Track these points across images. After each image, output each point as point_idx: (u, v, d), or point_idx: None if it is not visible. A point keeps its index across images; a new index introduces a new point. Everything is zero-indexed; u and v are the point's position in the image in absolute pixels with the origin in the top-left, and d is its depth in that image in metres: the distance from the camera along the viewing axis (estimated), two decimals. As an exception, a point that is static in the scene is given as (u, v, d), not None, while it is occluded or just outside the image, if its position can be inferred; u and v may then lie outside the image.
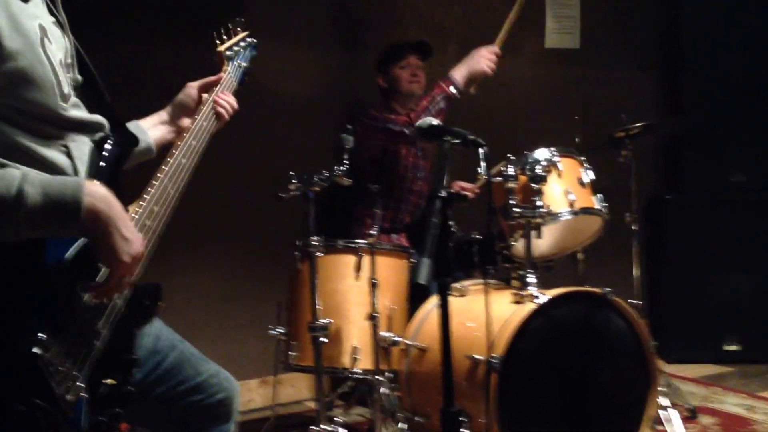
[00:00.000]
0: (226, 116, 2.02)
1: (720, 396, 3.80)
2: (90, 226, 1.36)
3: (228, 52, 2.19)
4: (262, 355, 3.48)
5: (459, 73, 3.42)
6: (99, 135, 1.57)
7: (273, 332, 3.00)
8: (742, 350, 4.35)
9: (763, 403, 3.68)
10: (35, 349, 1.31)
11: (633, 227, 3.36)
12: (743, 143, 4.42)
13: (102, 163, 1.53)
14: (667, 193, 4.56)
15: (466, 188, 3.59)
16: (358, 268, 2.97)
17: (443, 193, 1.81)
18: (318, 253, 2.86)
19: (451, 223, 1.81)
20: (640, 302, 3.31)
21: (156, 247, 1.61)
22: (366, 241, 2.97)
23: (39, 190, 1.31)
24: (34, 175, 1.33)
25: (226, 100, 2.02)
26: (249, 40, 2.32)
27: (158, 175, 1.68)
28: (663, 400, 3.06)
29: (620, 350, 2.81)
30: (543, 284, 2.86)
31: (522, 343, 2.62)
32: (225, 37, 2.22)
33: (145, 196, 1.62)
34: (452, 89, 3.38)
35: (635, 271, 3.38)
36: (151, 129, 1.98)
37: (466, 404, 2.61)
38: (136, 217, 1.57)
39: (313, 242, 2.85)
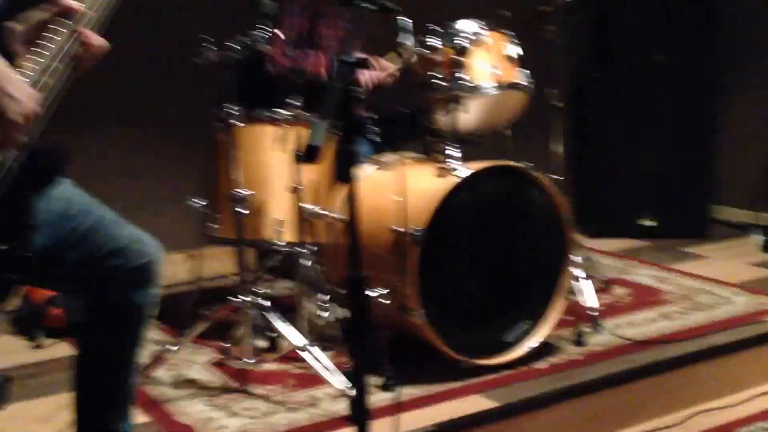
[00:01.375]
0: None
1: (634, 268, 3.90)
2: None
3: None
4: (185, 229, 3.40)
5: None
6: None
7: (194, 204, 2.93)
8: (658, 225, 4.44)
9: (673, 274, 3.79)
10: None
11: (557, 104, 3.32)
12: (668, 23, 4.38)
13: None
14: (593, 69, 4.53)
15: (386, 68, 3.45)
16: (281, 139, 2.88)
17: (349, 58, 1.72)
18: (239, 124, 2.77)
19: (355, 89, 1.72)
20: (562, 178, 3.30)
21: (58, 106, 1.50)
22: (290, 112, 2.87)
23: None
24: None
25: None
26: None
27: (57, 28, 1.56)
28: (578, 272, 3.11)
29: (539, 224, 2.84)
30: (470, 159, 2.83)
31: (444, 215, 2.62)
32: None
33: (41, 51, 1.50)
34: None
35: (558, 148, 3.37)
36: None
37: (390, 277, 2.62)
38: (31, 74, 1.45)
39: (232, 112, 2.75)
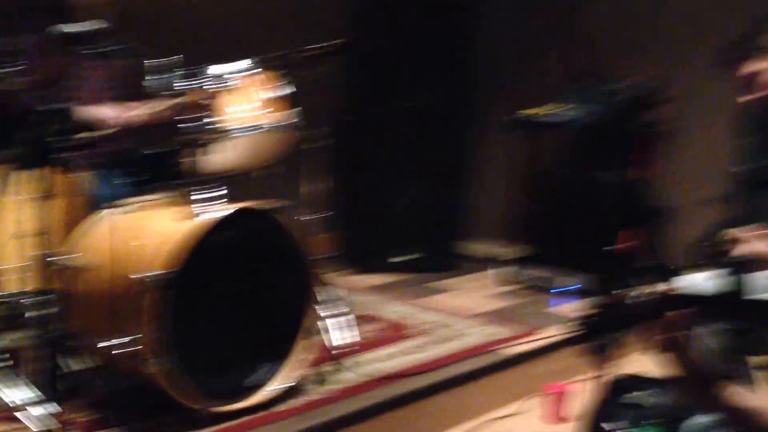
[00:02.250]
0: None
1: (383, 304, 4.04)
2: None
3: None
4: None
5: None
6: None
7: None
8: (410, 261, 4.63)
9: (418, 309, 3.97)
10: None
11: (317, 143, 3.38)
12: (424, 64, 4.59)
13: None
14: (354, 109, 4.66)
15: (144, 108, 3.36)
16: (3, 182, 2.73)
17: (53, 107, 1.66)
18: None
19: (55, 139, 1.66)
20: (316, 217, 3.36)
21: None
22: (8, 153, 2.70)
23: None
24: None
25: None
26: None
27: None
28: (324, 311, 3.16)
29: (284, 265, 2.86)
30: (229, 200, 2.80)
31: (185, 259, 2.57)
32: None
33: None
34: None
35: (319, 187, 3.42)
36: None
37: (129, 324, 2.54)
38: None
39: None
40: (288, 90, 3.00)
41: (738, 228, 2.19)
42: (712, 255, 2.15)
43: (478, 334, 3.58)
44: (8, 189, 2.72)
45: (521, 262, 4.48)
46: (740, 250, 2.11)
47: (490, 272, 4.52)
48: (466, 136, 4.79)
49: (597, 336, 1.36)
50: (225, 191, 2.96)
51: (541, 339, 3.47)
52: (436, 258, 4.70)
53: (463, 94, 4.72)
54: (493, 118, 4.82)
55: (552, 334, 3.57)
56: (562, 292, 4.16)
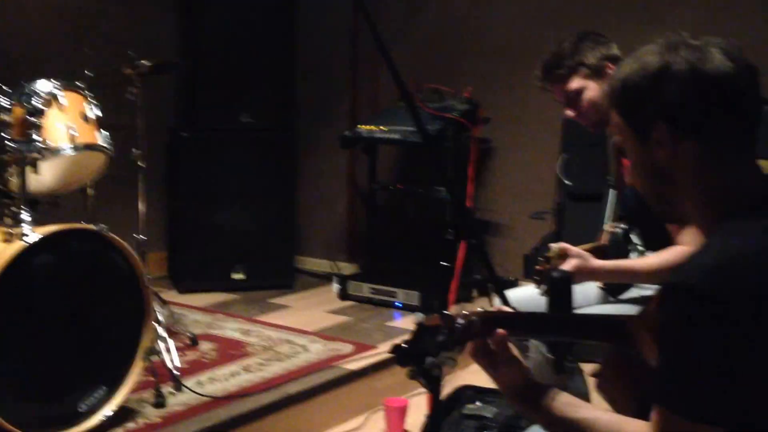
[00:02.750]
0: None
1: (222, 322, 3.99)
2: None
3: None
4: None
5: None
6: None
7: None
8: (247, 278, 4.61)
9: (258, 326, 3.95)
10: None
11: (140, 163, 3.33)
12: (252, 85, 4.61)
13: None
14: (183, 129, 4.61)
15: None
16: None
17: None
18: None
19: None
20: (145, 237, 3.31)
21: None
22: None
23: None
24: None
25: None
26: None
27: None
28: (161, 331, 3.12)
29: (117, 286, 2.79)
30: (49, 221, 2.70)
31: (11, 282, 2.46)
32: None
33: None
34: None
35: (142, 206, 3.36)
36: None
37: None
38: None
39: None
40: (98, 110, 2.94)
41: (563, 243, 2.34)
42: (541, 270, 2.30)
43: (319, 350, 3.61)
44: None
45: (361, 276, 4.56)
46: (565, 265, 2.26)
47: (332, 287, 4.57)
48: (298, 151, 4.85)
49: (413, 361, 1.41)
50: (46, 211, 2.88)
51: (382, 353, 3.53)
52: (276, 274, 4.71)
53: (292, 111, 4.78)
54: (326, 134, 4.91)
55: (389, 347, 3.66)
56: (402, 306, 4.27)
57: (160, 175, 4.60)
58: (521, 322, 1.56)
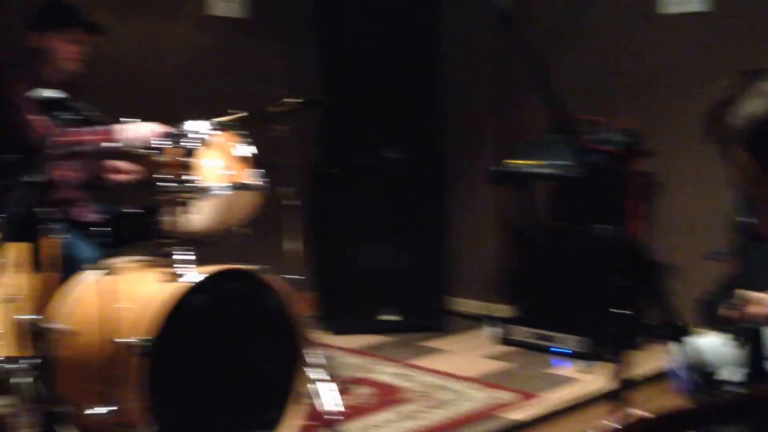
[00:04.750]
0: None
1: (376, 365, 3.97)
2: None
3: None
4: None
5: (130, 135, 3.07)
6: None
7: None
8: (398, 320, 4.58)
9: (413, 370, 3.89)
10: None
11: (290, 202, 3.36)
12: (397, 121, 4.62)
13: None
14: (327, 167, 4.66)
15: (124, 169, 3.38)
16: (-8, 246, 2.70)
17: (31, 179, 1.65)
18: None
19: (42, 210, 1.66)
20: (299, 277, 3.33)
21: None
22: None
23: None
24: None
25: None
26: None
27: None
28: (316, 374, 3.11)
29: (272, 327, 2.82)
30: (206, 261, 2.77)
31: (172, 323, 2.53)
32: None
33: None
34: (115, 145, 3.01)
35: (294, 246, 3.39)
36: None
37: (114, 392, 2.49)
38: None
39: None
40: (252, 149, 2.99)
41: (747, 289, 2.16)
42: (725, 317, 2.12)
43: (480, 398, 3.50)
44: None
45: (516, 320, 4.43)
46: (758, 314, 2.07)
47: (486, 331, 4.47)
48: (447, 187, 4.79)
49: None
50: (204, 252, 2.95)
51: (547, 403, 3.39)
52: (426, 316, 4.66)
53: (437, 144, 4.74)
54: (472, 168, 4.84)
55: (557, 397, 3.52)
56: (563, 353, 4.11)
57: (305, 212, 4.64)
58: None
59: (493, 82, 4.89)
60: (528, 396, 3.52)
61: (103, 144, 3.01)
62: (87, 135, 3.04)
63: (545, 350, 4.16)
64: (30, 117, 3.05)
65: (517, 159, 4.39)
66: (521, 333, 4.30)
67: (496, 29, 4.14)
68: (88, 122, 2.04)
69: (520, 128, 4.80)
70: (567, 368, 3.95)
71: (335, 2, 4.69)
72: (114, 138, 3.06)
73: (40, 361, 2.71)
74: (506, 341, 4.33)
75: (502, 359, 4.12)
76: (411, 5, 4.65)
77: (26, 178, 1.65)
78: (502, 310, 4.79)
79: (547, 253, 4.64)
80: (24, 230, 1.62)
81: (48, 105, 2.02)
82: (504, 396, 3.52)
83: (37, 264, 1.67)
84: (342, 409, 3.10)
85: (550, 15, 4.60)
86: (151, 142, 2.75)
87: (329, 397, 3.10)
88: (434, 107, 4.73)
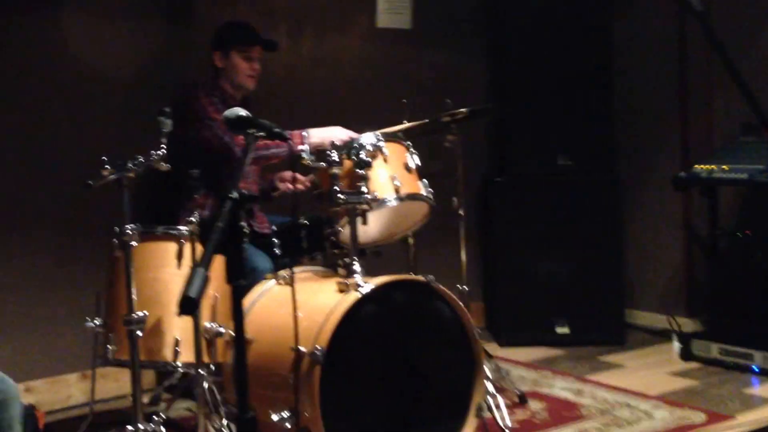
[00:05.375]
0: None
1: (549, 380, 3.90)
2: None
3: None
4: (81, 348, 3.32)
5: (316, 139, 3.29)
6: None
7: (90, 324, 2.89)
8: (573, 332, 4.48)
9: (590, 386, 3.80)
10: None
11: (460, 212, 3.39)
12: (569, 127, 4.54)
13: None
14: (496, 176, 4.64)
15: (299, 179, 3.54)
16: (179, 256, 2.89)
17: (234, 194, 1.75)
18: (134, 242, 2.77)
19: (242, 224, 1.76)
20: (468, 288, 3.35)
21: None
22: (187, 228, 2.88)
23: None
24: None
25: None
26: None
27: None
28: (490, 387, 3.11)
29: (446, 338, 2.84)
30: (372, 271, 2.84)
31: (346, 333, 2.60)
32: None
33: None
34: (301, 148, 3.14)
35: (463, 256, 3.42)
36: None
37: (292, 398, 2.58)
38: None
39: (128, 230, 2.76)
40: (418, 160, 3.02)
41: None
42: None
43: (665, 418, 3.35)
44: (182, 262, 2.86)
45: (707, 335, 4.21)
46: None
47: (674, 346, 4.27)
48: (623, 193, 4.65)
49: None
50: (373, 262, 3.02)
51: (743, 425, 3.22)
52: (603, 329, 4.53)
53: (614, 151, 4.61)
54: (653, 175, 4.69)
55: (753, 419, 3.31)
56: (761, 371, 3.85)
57: (473, 222, 4.66)
58: None
59: (674, 83, 4.71)
60: (719, 417, 3.34)
61: (293, 149, 3.18)
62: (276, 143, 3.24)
63: (736, 367, 3.93)
64: (228, 133, 3.29)
65: (705, 163, 4.19)
66: (710, 349, 4.08)
67: (675, 29, 4.01)
68: (278, 137, 2.16)
69: (703, 132, 4.61)
70: (762, 388, 3.72)
71: (503, 10, 4.67)
72: (301, 142, 3.23)
73: (216, 367, 2.88)
74: (692, 358, 4.13)
75: (688, 376, 3.93)
76: (583, 10, 4.57)
77: (231, 193, 1.75)
78: (686, 323, 4.60)
79: (735, 263, 4.40)
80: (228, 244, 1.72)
81: (239, 123, 2.15)
82: (692, 416, 3.36)
83: (228, 274, 1.77)
84: (513, 423, 3.08)
85: (737, 11, 4.38)
86: (329, 152, 2.85)
87: (503, 411, 3.10)
88: (609, 112, 4.61)
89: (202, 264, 1.61)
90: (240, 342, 1.78)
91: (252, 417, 1.83)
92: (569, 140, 4.54)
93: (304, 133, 3.30)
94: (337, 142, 3.06)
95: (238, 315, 1.85)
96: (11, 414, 1.78)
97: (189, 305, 1.55)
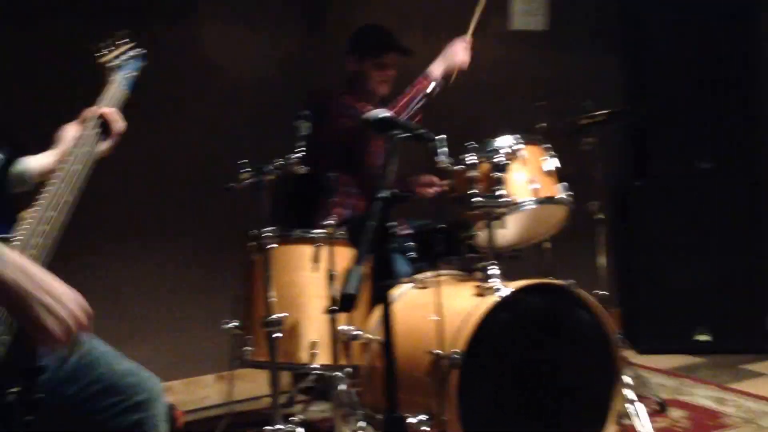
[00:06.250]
0: (118, 127, 2.00)
1: (690, 388, 3.82)
2: (3, 296, 1.30)
3: (114, 62, 2.21)
4: (218, 350, 3.44)
5: (437, 70, 3.44)
6: None
7: (227, 326, 2.97)
8: (713, 340, 4.37)
9: (733, 395, 3.70)
10: None
11: (598, 216, 3.36)
12: (709, 130, 4.43)
13: None
14: (635, 179, 4.57)
15: (435, 183, 3.58)
16: (315, 259, 2.94)
17: (385, 194, 1.78)
18: (271, 245, 2.84)
19: (391, 224, 1.79)
20: (607, 293, 3.31)
21: (54, 251, 1.57)
22: (324, 231, 2.94)
23: None
24: None
25: (111, 113, 2.00)
26: (136, 50, 2.35)
27: (51, 181, 1.68)
28: (630, 394, 3.07)
29: (585, 343, 2.81)
30: (509, 275, 2.84)
31: (484, 337, 2.61)
32: (109, 50, 2.24)
33: (38, 203, 1.62)
34: (431, 87, 3.35)
35: (601, 261, 3.38)
36: (33, 161, 1.94)
37: (429, 402, 2.61)
38: (31, 223, 1.55)
39: (266, 233, 2.83)
40: (558, 162, 3.00)
41: None
42: None
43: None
44: (318, 265, 2.92)
45: None
46: None
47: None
48: (765, 199, 4.50)
49: None
50: (510, 266, 3.01)
51: None
52: (745, 337, 4.40)
53: (756, 155, 4.49)
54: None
55: None
56: None
57: (609, 226, 4.58)
58: None
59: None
60: None
61: (428, 90, 3.27)
62: (409, 93, 3.39)
63: None
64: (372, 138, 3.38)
65: None
66: None
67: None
68: (418, 138, 2.18)
69: None
70: None
71: (641, 9, 4.61)
72: (431, 80, 3.31)
73: (357, 369, 2.93)
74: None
75: None
76: (725, 11, 4.45)
77: (382, 194, 1.79)
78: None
79: None
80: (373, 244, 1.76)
81: (381, 125, 2.18)
82: None
83: (376, 274, 1.82)
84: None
85: None
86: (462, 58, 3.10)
87: (643, 419, 3.05)
88: (752, 112, 4.50)
89: (358, 262, 1.66)
90: (388, 340, 1.81)
91: (400, 416, 1.85)
92: (709, 143, 4.44)
93: (427, 73, 3.42)
94: (458, 62, 3.33)
95: (386, 314, 1.88)
96: (157, 412, 1.85)
97: (348, 302, 1.60)
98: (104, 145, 1.97)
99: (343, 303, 1.61)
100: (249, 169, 2.82)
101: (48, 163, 1.93)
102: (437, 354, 2.62)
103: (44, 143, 2.01)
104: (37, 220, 1.56)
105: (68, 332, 1.33)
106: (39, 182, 1.89)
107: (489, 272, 2.83)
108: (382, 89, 3.60)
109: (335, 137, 3.46)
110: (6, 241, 1.48)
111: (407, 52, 3.64)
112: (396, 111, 3.32)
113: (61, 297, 1.33)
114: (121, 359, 1.82)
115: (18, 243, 1.49)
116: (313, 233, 2.96)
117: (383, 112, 2.22)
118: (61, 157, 1.89)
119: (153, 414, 1.81)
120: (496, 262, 2.85)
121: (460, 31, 3.54)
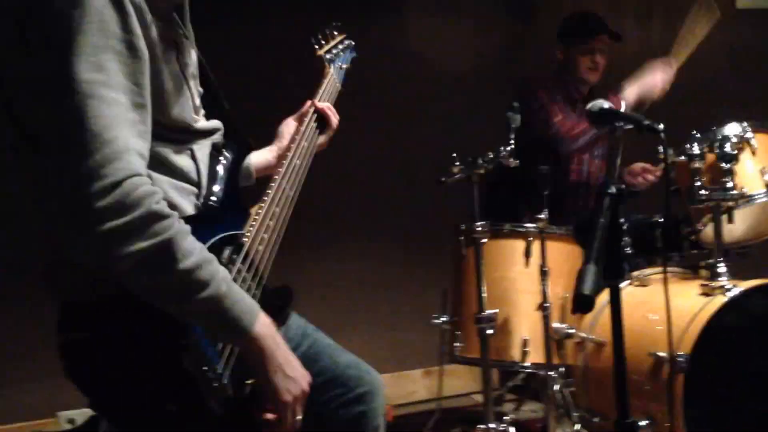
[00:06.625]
0: (334, 121, 2.02)
1: None
2: (252, 356, 1.39)
3: (328, 55, 2.22)
4: (426, 345, 3.46)
5: (632, 94, 3.27)
6: (217, 139, 1.63)
7: (437, 322, 2.97)
8: None
9: None
10: (186, 353, 1.34)
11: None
12: None
13: (220, 168, 1.59)
14: None
15: (649, 170, 3.43)
16: (527, 254, 2.88)
17: (613, 189, 1.70)
18: (483, 239, 2.80)
19: (621, 221, 1.70)
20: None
21: (279, 245, 1.62)
22: (535, 225, 2.87)
23: (228, 300, 1.33)
24: (225, 274, 1.35)
25: (328, 107, 2.02)
26: (347, 42, 2.35)
27: (275, 177, 1.73)
28: None
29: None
30: (735, 273, 2.67)
31: (711, 340, 2.46)
32: (323, 42, 2.24)
33: (264, 198, 1.66)
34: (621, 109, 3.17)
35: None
36: (255, 156, 1.98)
37: (649, 405, 2.51)
38: (259, 218, 1.58)
39: (477, 227, 2.80)
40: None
41: None
42: None
43: None
44: (530, 260, 2.86)
45: None
46: None
47: None
48: None
49: None
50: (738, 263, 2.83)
51: None
52: None
53: None
54: None
55: None
56: None
57: None
58: None
59: None
60: None
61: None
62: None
63: None
64: (557, 124, 3.28)
65: None
66: None
67: None
68: (650, 131, 2.06)
69: None
70: None
71: None
72: (621, 100, 3.17)
73: (567, 369, 2.85)
74: None
75: None
76: None
77: (610, 190, 1.72)
78: None
79: None
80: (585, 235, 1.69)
81: (604, 116, 2.09)
82: None
83: (606, 273, 1.73)
84: None
85: None
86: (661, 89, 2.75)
87: None
88: None
89: (593, 261, 1.58)
90: (618, 342, 1.73)
91: (632, 422, 1.77)
92: None
93: (620, 92, 3.25)
94: (658, 91, 3.09)
95: (615, 315, 1.80)
96: (377, 405, 1.86)
97: (584, 303, 1.53)
98: (321, 140, 2.00)
99: (579, 304, 1.54)
100: (459, 163, 2.80)
101: (269, 158, 1.99)
102: (660, 356, 2.49)
103: (265, 138, 2.07)
104: (264, 215, 1.60)
105: (297, 404, 1.44)
106: (261, 177, 1.95)
107: (716, 270, 2.66)
108: (592, 77, 3.48)
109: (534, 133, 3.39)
110: (239, 237, 1.52)
111: (617, 37, 3.50)
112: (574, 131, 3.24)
113: (297, 372, 1.44)
114: (343, 352, 1.85)
115: (247, 238, 1.53)
116: (524, 227, 2.90)
117: (605, 103, 2.12)
118: (282, 152, 1.93)
119: (374, 407, 1.83)
120: (720, 259, 2.68)
121: (678, 15, 3.35)
